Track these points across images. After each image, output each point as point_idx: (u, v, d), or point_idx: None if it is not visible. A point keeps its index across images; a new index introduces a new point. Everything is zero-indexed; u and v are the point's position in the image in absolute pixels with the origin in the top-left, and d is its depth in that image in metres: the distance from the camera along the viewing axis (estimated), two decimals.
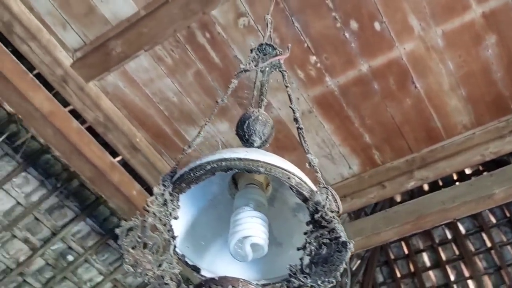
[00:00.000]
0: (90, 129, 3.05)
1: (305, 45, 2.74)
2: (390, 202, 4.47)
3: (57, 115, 2.68)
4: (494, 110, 2.92)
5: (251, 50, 1.54)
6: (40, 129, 2.68)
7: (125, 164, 3.19)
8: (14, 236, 3.27)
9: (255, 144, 1.28)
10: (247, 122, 1.28)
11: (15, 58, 2.59)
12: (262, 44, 1.54)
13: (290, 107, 1.36)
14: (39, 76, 2.84)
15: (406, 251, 5.41)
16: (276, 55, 1.49)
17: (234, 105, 2.96)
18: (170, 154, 3.30)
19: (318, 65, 2.82)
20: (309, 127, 3.10)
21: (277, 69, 1.51)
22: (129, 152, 3.15)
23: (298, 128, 1.28)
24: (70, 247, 3.44)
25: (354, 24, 2.64)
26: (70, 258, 3.40)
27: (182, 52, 2.82)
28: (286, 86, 1.41)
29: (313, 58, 2.79)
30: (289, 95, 1.40)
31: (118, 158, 3.24)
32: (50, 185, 3.26)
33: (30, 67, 2.81)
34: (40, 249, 3.33)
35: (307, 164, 1.18)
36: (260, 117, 1.31)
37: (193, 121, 3.13)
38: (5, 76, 2.48)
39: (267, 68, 1.52)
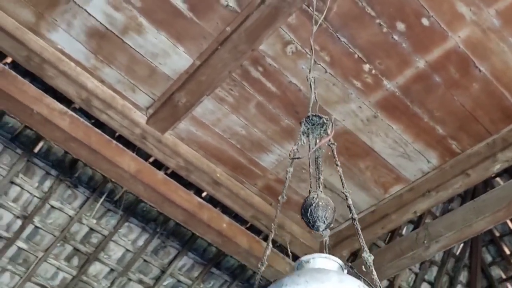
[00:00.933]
0: (174, 174, 3.34)
1: (356, 56, 2.76)
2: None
3: (144, 172, 2.96)
4: None
5: (300, 123, 1.65)
6: (132, 187, 3.00)
7: (210, 199, 3.43)
8: (130, 279, 3.66)
9: (321, 229, 1.39)
10: (309, 210, 1.40)
11: (98, 130, 2.93)
12: (308, 116, 1.65)
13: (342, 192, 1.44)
14: (120, 137, 3.16)
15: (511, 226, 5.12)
16: (323, 123, 1.59)
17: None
18: (250, 181, 3.47)
19: (373, 71, 2.82)
20: (377, 131, 3.11)
21: (327, 144, 1.60)
22: (212, 187, 3.38)
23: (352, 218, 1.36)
24: (179, 281, 3.77)
25: (400, 25, 2.62)
26: None
27: (240, 89, 2.98)
28: (336, 164, 1.51)
29: (366, 66, 2.81)
30: (340, 175, 1.48)
31: (204, 194, 3.49)
32: (151, 229, 3.59)
33: (112, 132, 3.14)
34: (154, 287, 3.70)
35: None
36: (320, 203, 1.42)
37: (264, 148, 3.27)
38: (94, 148, 2.81)
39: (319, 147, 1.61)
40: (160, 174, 3.10)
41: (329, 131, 1.63)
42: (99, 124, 3.11)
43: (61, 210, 3.38)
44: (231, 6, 2.63)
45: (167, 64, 2.90)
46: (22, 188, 3.26)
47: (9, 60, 2.88)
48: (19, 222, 3.34)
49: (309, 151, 1.62)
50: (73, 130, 2.73)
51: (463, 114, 2.96)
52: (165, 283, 3.78)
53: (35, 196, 3.29)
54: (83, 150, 2.80)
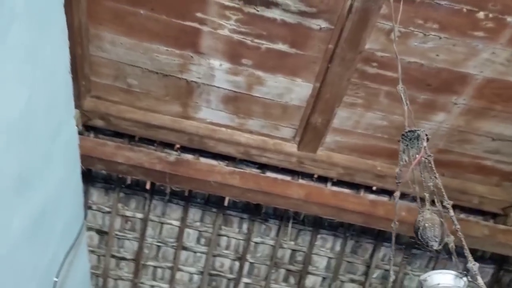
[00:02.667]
0: (340, 182, 3.60)
1: (464, 10, 2.63)
2: None
3: (312, 193, 3.30)
4: None
5: (399, 141, 1.74)
6: (307, 209, 3.36)
7: (382, 192, 3.59)
8: (342, 282, 4.03)
9: (435, 247, 1.48)
10: (418, 233, 1.50)
11: (263, 174, 3.40)
12: (403, 134, 1.73)
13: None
14: (283, 169, 3.57)
15: None
16: (418, 136, 1.65)
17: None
18: None
19: (490, 15, 2.64)
20: None
21: (423, 159, 1.64)
22: (378, 181, 3.54)
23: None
24: (386, 270, 4.00)
25: None
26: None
27: (365, 88, 3.10)
28: (435, 177, 1.56)
29: (481, 14, 2.64)
30: (441, 188, 1.55)
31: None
32: (341, 234, 3.90)
33: (275, 168, 3.57)
34: (365, 282, 4.01)
35: None
36: (426, 224, 1.50)
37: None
38: (265, 191, 3.26)
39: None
40: (327, 189, 3.41)
41: (422, 144, 1.67)
42: (262, 166, 3.59)
43: (263, 243, 3.95)
44: (324, 27, 2.80)
45: (293, 97, 3.20)
46: (228, 236, 3.93)
47: (177, 147, 3.53)
48: (237, 263, 4.02)
49: (409, 169, 1.68)
50: (244, 183, 3.23)
51: None
52: (374, 276, 4.04)
53: (239, 239, 3.93)
54: (258, 196, 3.29)
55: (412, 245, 3.90)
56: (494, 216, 3.67)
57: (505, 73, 2.91)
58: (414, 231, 1.57)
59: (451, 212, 1.56)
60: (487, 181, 3.55)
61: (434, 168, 1.65)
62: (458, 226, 1.50)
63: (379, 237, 3.89)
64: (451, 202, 1.62)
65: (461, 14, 2.65)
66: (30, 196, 2.48)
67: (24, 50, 2.13)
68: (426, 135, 1.74)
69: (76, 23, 2.88)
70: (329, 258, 4.01)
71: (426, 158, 1.69)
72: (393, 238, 1.66)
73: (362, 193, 3.59)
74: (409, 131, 1.75)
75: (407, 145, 1.75)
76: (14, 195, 2.29)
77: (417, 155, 1.68)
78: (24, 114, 2.23)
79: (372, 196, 3.62)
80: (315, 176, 3.57)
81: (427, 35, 2.76)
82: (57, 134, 2.71)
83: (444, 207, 1.58)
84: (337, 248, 3.99)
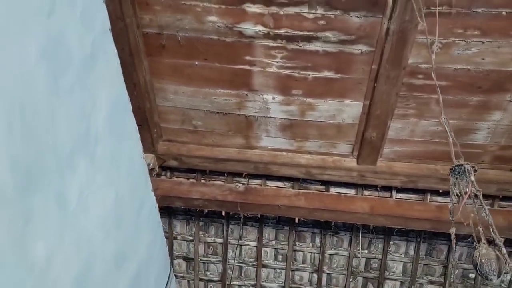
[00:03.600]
0: (406, 189, 3.69)
1: (504, 13, 2.66)
2: None
3: (376, 206, 3.43)
4: None
5: (448, 175, 1.79)
6: (374, 222, 3.50)
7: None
8: (421, 284, 4.11)
9: (494, 280, 1.57)
10: (477, 269, 1.57)
11: (327, 192, 3.60)
12: (451, 169, 1.76)
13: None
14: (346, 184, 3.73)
15: None
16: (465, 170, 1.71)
17: None
18: (475, 161, 3.50)
19: None
20: None
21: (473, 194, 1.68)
22: (442, 184, 3.58)
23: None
24: (465, 269, 4.01)
25: None
26: None
27: (414, 99, 3.19)
28: (481, 205, 1.61)
29: None
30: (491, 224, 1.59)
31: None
32: (413, 238, 3.98)
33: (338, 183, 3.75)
34: (445, 282, 4.04)
35: None
36: (483, 260, 1.55)
37: (469, 130, 3.31)
38: (331, 209, 3.46)
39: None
40: (391, 200, 3.51)
41: (470, 179, 1.71)
42: (326, 183, 3.78)
43: (337, 254, 4.13)
44: (365, 51, 2.95)
45: (345, 116, 3.36)
46: (302, 251, 4.15)
47: (245, 174, 3.82)
48: (315, 276, 4.23)
49: (460, 204, 1.73)
50: (310, 204, 3.44)
51: None
52: (452, 276, 4.06)
53: (314, 253, 4.14)
54: (324, 213, 3.49)
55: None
56: None
57: None
58: (473, 266, 1.61)
59: (503, 250, 1.59)
60: None
61: (483, 205, 1.68)
62: (511, 264, 1.54)
63: (449, 239, 3.91)
64: (503, 240, 1.64)
65: (501, 17, 2.68)
66: (127, 267, 2.92)
67: (109, 160, 2.54)
68: (473, 167, 1.75)
69: (142, 82, 3.26)
70: (404, 262, 4.09)
71: (475, 194, 1.70)
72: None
73: (428, 197, 3.65)
74: (456, 165, 1.77)
75: (456, 178, 1.76)
76: (115, 269, 2.74)
77: (467, 190, 1.71)
78: (114, 207, 2.65)
79: (439, 199, 3.68)
80: (379, 186, 3.70)
81: (469, 42, 2.81)
82: (140, 208, 3.14)
83: (496, 245, 1.62)
84: (411, 252, 4.06)
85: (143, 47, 3.13)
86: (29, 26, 1.75)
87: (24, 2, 1.72)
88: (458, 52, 2.87)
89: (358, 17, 2.79)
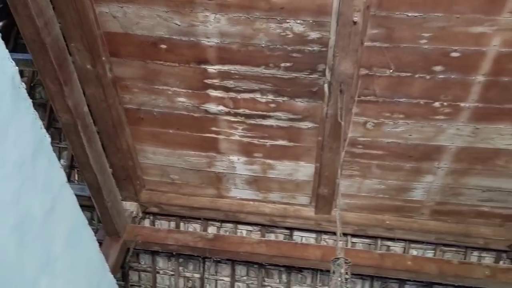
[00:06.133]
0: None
1: (422, 102, 3.16)
2: None
3: (327, 253, 3.90)
4: None
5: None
6: (324, 267, 4.00)
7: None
8: None
9: None
10: None
11: (285, 240, 4.10)
12: (333, 259, 2.29)
13: None
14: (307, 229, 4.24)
15: None
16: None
17: None
18: (416, 214, 4.00)
19: (445, 103, 3.15)
20: (490, 136, 3.28)
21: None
22: (389, 233, 4.07)
23: None
24: None
25: (438, 68, 2.95)
26: None
27: (357, 164, 3.69)
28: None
29: (436, 104, 3.15)
30: None
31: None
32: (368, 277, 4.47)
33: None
34: None
35: None
36: None
37: (407, 188, 3.79)
38: (286, 256, 3.96)
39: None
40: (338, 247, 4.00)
41: (340, 271, 2.23)
42: (289, 228, 4.29)
43: None
44: (311, 126, 3.47)
45: (300, 175, 3.88)
46: (271, 286, 4.66)
47: (217, 224, 4.35)
48: None
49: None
50: (270, 251, 3.96)
51: None
52: None
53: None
54: (282, 259, 4.01)
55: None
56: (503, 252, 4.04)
57: (474, 142, 3.36)
58: None
59: None
60: (490, 223, 3.94)
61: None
62: None
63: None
64: None
65: (420, 105, 3.19)
66: None
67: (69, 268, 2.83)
68: (346, 260, 2.30)
69: (124, 145, 3.80)
70: None
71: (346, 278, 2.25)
72: None
73: (379, 242, 4.15)
74: (335, 259, 2.31)
75: (336, 267, 2.32)
76: None
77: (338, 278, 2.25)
78: None
79: (389, 243, 4.18)
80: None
81: (396, 122, 3.32)
82: None
83: None
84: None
85: (125, 118, 3.68)
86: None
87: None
88: (388, 129, 3.38)
89: (302, 102, 3.32)
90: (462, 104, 3.13)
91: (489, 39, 2.75)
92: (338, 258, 2.32)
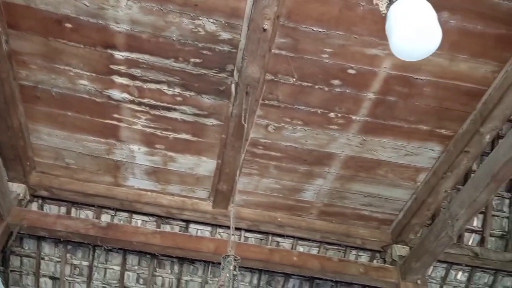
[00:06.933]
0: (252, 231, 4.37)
1: (319, 112, 3.40)
2: None
3: (221, 247, 4.03)
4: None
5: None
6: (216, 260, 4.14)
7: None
8: None
9: None
10: None
11: (181, 233, 4.15)
12: (223, 256, 2.43)
13: None
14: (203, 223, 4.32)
15: None
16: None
17: None
18: (305, 213, 4.29)
19: (339, 115, 3.42)
20: (374, 148, 3.64)
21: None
22: (280, 229, 4.31)
23: None
24: None
25: (335, 81, 3.20)
26: None
27: (257, 163, 3.85)
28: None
29: (331, 114, 3.41)
30: None
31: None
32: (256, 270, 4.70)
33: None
34: None
35: None
36: None
37: (299, 189, 4.05)
38: (181, 247, 4.01)
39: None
40: (233, 242, 4.16)
41: (228, 270, 2.38)
42: (185, 221, 4.33)
43: (192, 280, 4.69)
44: (215, 124, 3.55)
45: (201, 169, 3.94)
46: (162, 276, 4.67)
47: (111, 212, 4.25)
48: None
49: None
50: (164, 242, 3.98)
51: (434, 110, 3.34)
52: None
53: (172, 278, 4.69)
54: (176, 251, 4.05)
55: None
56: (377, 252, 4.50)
57: (361, 152, 3.69)
58: None
59: None
60: (368, 226, 4.36)
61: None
62: None
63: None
64: None
65: (317, 114, 3.43)
66: None
67: None
68: (236, 257, 2.45)
69: (16, 124, 3.55)
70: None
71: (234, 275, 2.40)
72: None
73: (270, 238, 4.37)
74: (225, 256, 2.45)
75: (225, 263, 2.47)
76: None
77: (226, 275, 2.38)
78: None
79: (279, 239, 4.43)
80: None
81: (295, 128, 3.53)
82: None
83: None
84: (254, 281, 4.77)
85: (19, 95, 3.44)
86: None
87: None
88: (287, 134, 3.58)
89: (209, 99, 3.38)
90: (353, 117, 3.43)
91: (380, 61, 3.05)
92: (228, 256, 2.43)
